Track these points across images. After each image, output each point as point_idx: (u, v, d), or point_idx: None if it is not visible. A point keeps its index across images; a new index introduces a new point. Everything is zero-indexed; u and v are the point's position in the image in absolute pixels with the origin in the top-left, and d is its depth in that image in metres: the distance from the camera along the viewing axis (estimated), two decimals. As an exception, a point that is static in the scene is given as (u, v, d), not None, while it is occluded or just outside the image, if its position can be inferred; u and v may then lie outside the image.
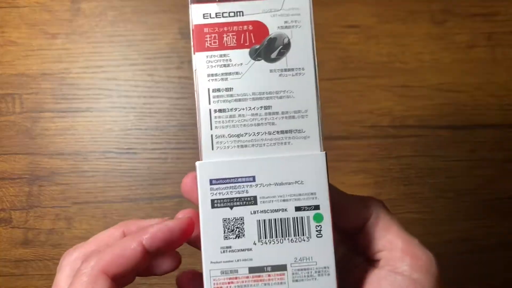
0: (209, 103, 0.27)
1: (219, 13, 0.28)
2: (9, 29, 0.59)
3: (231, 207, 0.27)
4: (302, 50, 0.28)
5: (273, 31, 0.28)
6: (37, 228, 0.56)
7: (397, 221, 0.29)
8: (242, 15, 0.28)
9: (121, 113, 0.58)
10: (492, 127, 0.58)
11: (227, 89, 0.27)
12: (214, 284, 0.26)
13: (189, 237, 0.29)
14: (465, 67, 0.59)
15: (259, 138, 0.27)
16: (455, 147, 0.57)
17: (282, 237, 0.27)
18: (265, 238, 0.27)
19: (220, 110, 0.27)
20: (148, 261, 0.29)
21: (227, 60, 0.27)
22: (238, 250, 0.27)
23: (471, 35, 0.59)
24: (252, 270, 0.27)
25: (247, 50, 0.28)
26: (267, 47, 0.28)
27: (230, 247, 0.27)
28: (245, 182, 0.27)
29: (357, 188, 0.56)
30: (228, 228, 0.27)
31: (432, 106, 0.58)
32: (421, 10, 0.60)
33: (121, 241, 0.28)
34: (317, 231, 0.27)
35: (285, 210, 0.27)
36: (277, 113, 0.27)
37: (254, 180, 0.27)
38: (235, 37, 0.28)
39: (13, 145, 0.57)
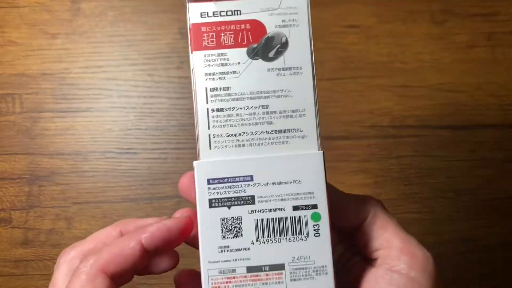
0: (207, 102, 0.27)
1: (217, 12, 0.28)
2: (9, 29, 0.59)
3: (229, 207, 0.27)
4: (299, 49, 0.28)
5: (270, 30, 0.28)
6: (37, 228, 0.56)
7: (394, 219, 0.29)
8: (240, 14, 0.28)
9: (121, 113, 0.58)
10: (492, 127, 0.58)
11: (224, 88, 0.27)
12: (212, 283, 0.26)
13: (188, 236, 0.29)
14: (465, 67, 0.59)
15: (256, 138, 0.27)
16: (455, 147, 0.57)
17: (280, 236, 0.27)
18: (263, 237, 0.27)
19: (217, 110, 0.27)
20: (146, 260, 0.29)
21: (224, 59, 0.27)
22: (236, 250, 0.27)
23: (471, 35, 0.59)
24: (250, 269, 0.27)
25: (244, 49, 0.28)
26: (264, 46, 0.27)
27: (228, 246, 0.27)
28: (243, 181, 0.27)
29: (357, 188, 0.56)
30: (226, 228, 0.27)
31: (432, 106, 0.58)
32: (421, 10, 0.60)
33: (119, 240, 0.28)
34: (314, 230, 0.27)
35: (283, 209, 0.27)
36: (274, 112, 0.27)
37: (252, 180, 0.27)
38: (232, 36, 0.28)
39: (13, 145, 0.57)
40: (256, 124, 0.27)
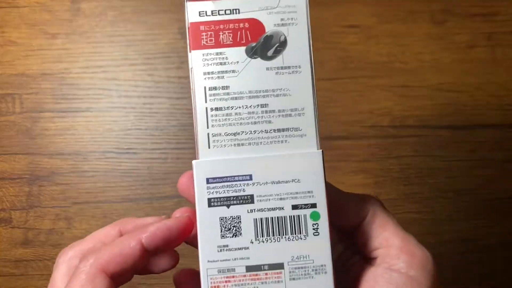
0: (206, 102, 0.27)
1: (215, 10, 0.28)
2: (9, 29, 0.59)
3: (228, 206, 0.27)
4: (298, 48, 0.28)
5: (269, 28, 0.28)
6: (37, 228, 0.56)
7: (393, 218, 0.29)
8: (238, 13, 0.28)
9: (121, 113, 0.58)
10: (492, 127, 0.58)
11: (223, 87, 0.27)
12: (211, 283, 0.26)
13: (188, 236, 0.29)
14: (465, 67, 0.59)
15: (255, 137, 0.27)
16: (455, 147, 0.57)
17: (279, 235, 0.27)
18: (262, 236, 0.27)
19: (216, 109, 0.27)
20: (146, 260, 0.29)
21: (223, 58, 0.27)
22: (235, 249, 0.27)
23: (471, 35, 0.59)
24: (249, 268, 0.27)
25: (243, 48, 0.27)
26: (263, 45, 0.27)
27: (227, 246, 0.27)
28: (242, 180, 0.27)
29: (357, 188, 0.56)
30: (225, 227, 0.27)
31: (432, 106, 0.58)
32: (421, 10, 0.60)
33: (120, 240, 0.28)
34: (314, 229, 0.27)
35: (282, 208, 0.27)
36: (273, 111, 0.27)
37: (251, 179, 0.27)
38: (231, 35, 0.27)
39: (13, 145, 0.57)
40: (255, 123, 0.27)
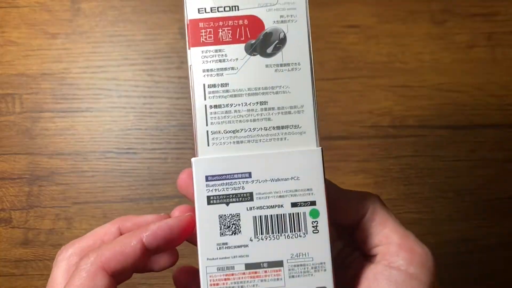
0: (205, 99, 0.27)
1: (214, 7, 0.28)
2: (9, 29, 0.59)
3: (227, 204, 0.27)
4: (298, 45, 0.28)
5: (268, 25, 0.28)
6: (37, 228, 0.56)
7: (393, 215, 0.29)
8: (238, 10, 0.28)
9: (121, 113, 0.58)
10: (492, 127, 0.57)
11: (222, 85, 0.27)
12: (210, 280, 0.26)
13: (190, 235, 0.29)
14: (465, 67, 0.59)
15: (255, 134, 0.27)
16: (455, 147, 0.57)
17: (278, 233, 0.27)
18: (262, 234, 0.27)
19: (215, 106, 0.27)
20: (147, 258, 0.29)
21: (222, 55, 0.27)
22: (235, 247, 0.27)
23: (471, 35, 0.59)
24: (248, 266, 0.27)
25: (242, 45, 0.27)
26: (262, 42, 0.27)
27: (226, 243, 0.27)
28: (241, 178, 0.27)
29: (357, 188, 0.55)
30: (224, 225, 0.27)
31: (432, 106, 0.58)
32: (421, 10, 0.60)
33: (121, 238, 0.28)
34: (313, 227, 0.27)
35: (281, 206, 0.27)
36: (273, 108, 0.27)
37: (250, 176, 0.27)
38: (230, 32, 0.27)
39: (13, 145, 0.57)
40: (254, 120, 0.27)
